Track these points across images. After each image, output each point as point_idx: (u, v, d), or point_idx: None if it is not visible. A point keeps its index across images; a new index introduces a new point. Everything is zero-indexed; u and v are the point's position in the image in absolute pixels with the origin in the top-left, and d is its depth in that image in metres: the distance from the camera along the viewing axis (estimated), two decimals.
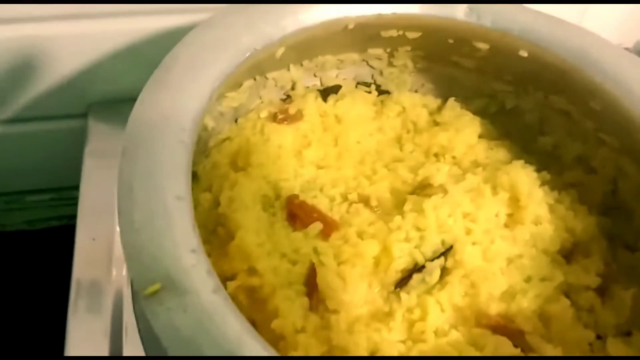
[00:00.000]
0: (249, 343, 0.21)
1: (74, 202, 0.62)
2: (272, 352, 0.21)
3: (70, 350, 0.39)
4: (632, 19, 0.55)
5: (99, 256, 0.44)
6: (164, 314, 0.21)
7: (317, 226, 0.32)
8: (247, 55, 0.31)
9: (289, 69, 0.39)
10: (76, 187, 0.52)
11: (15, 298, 0.60)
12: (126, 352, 0.38)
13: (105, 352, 0.38)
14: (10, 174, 0.58)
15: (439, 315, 0.31)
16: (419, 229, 0.32)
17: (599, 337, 0.32)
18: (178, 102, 0.28)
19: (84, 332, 0.39)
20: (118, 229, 0.46)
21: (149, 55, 0.49)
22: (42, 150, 0.56)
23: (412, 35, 0.38)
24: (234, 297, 0.29)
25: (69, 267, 0.44)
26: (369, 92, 0.42)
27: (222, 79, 0.30)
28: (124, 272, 0.43)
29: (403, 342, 0.30)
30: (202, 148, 0.36)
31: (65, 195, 0.62)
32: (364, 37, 0.38)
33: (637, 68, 0.34)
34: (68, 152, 0.54)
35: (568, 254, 0.35)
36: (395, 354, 0.30)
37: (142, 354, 0.38)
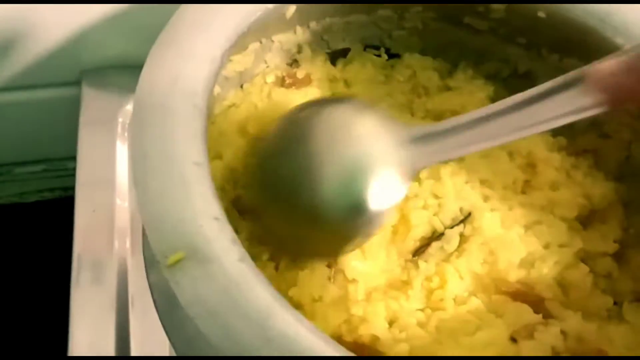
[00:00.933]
0: (280, 313, 0.20)
1: (66, 173, 0.61)
2: (306, 324, 0.20)
3: (75, 324, 0.38)
4: None
5: (99, 228, 0.43)
6: (189, 284, 0.20)
7: None
8: (258, 14, 0.29)
9: (295, 32, 0.38)
10: (68, 158, 0.50)
11: (11, 272, 0.59)
12: (133, 324, 0.37)
13: (111, 324, 0.37)
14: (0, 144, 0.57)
15: (458, 283, 0.30)
16: (436, 197, 0.32)
17: (615, 303, 0.32)
18: (188, 64, 0.26)
19: (88, 305, 0.39)
20: (118, 200, 0.45)
21: (141, 19, 0.47)
22: (34, 119, 0.54)
23: None
24: None
25: (65, 239, 0.43)
26: (379, 56, 0.41)
27: (232, 40, 0.28)
28: (127, 243, 0.43)
29: (422, 310, 0.30)
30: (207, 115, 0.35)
31: (58, 166, 0.60)
32: None
33: None
34: (60, 121, 0.52)
35: (585, 220, 0.34)
36: (414, 322, 0.29)
37: (149, 324, 0.38)
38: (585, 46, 0.35)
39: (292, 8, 0.32)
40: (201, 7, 0.28)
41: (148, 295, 0.29)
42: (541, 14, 0.34)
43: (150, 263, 0.28)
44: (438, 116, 0.38)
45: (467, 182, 0.33)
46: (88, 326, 0.38)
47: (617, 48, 0.33)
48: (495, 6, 0.36)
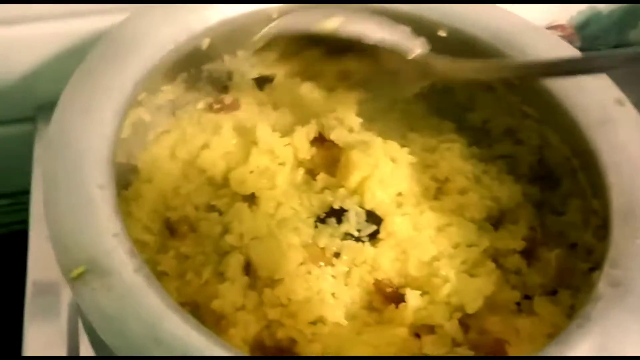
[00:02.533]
0: (170, 316, 0.22)
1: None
2: (193, 323, 0.22)
3: (28, 352, 0.39)
4: None
5: (53, 258, 0.44)
6: (89, 294, 0.22)
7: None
8: (170, 47, 0.32)
9: (223, 60, 0.40)
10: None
11: None
12: (82, 353, 0.38)
13: (63, 354, 0.38)
14: None
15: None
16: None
17: (527, 297, 0.34)
18: (99, 96, 0.29)
19: (41, 334, 0.38)
20: None
21: None
22: None
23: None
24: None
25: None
26: None
27: (143, 73, 0.30)
28: None
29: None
30: (140, 141, 0.37)
31: (23, 199, 0.61)
32: None
33: (546, 41, 0.35)
34: (19, 156, 0.53)
35: (496, 221, 0.36)
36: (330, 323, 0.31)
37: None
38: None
39: (206, 40, 0.34)
40: (114, 42, 0.31)
41: None
42: (442, 33, 0.37)
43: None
44: None
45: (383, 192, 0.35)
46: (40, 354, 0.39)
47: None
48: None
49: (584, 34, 0.58)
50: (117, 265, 0.23)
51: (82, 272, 0.23)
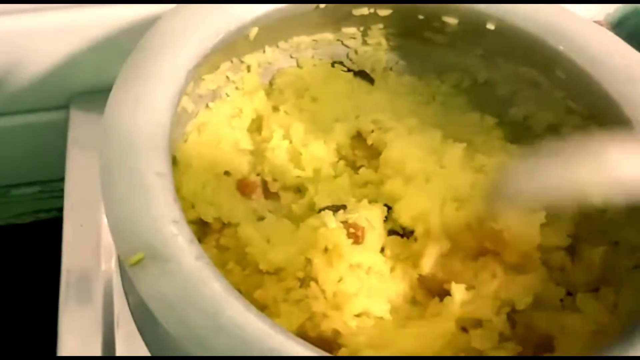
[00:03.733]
0: (231, 303, 0.22)
1: (61, 194, 0.63)
2: (254, 311, 0.22)
3: (63, 342, 0.39)
4: None
5: (87, 246, 0.44)
6: (149, 281, 0.22)
7: None
8: (220, 36, 0.32)
9: (264, 51, 0.40)
10: (63, 179, 0.52)
11: (6, 292, 0.60)
12: (118, 342, 0.38)
13: (98, 343, 0.38)
14: None
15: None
16: None
17: (569, 293, 0.34)
18: (153, 84, 0.29)
19: (76, 323, 0.38)
20: (105, 219, 0.46)
21: (129, 45, 0.50)
22: (26, 143, 0.56)
23: (383, 12, 0.39)
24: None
25: (59, 259, 0.44)
26: (345, 71, 0.43)
27: (196, 61, 0.30)
28: (113, 262, 0.44)
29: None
30: (180, 132, 0.37)
31: (52, 187, 0.62)
32: (336, 16, 0.39)
33: (599, 36, 0.35)
34: (52, 144, 0.54)
35: None
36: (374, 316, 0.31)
37: (134, 344, 0.39)
38: (534, 55, 0.37)
39: (254, 29, 0.34)
40: (166, 31, 0.31)
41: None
42: (490, 26, 0.37)
43: (121, 264, 0.30)
44: None
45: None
46: (75, 344, 0.39)
47: (560, 55, 0.35)
48: (449, 20, 0.38)
49: (620, 31, 0.57)
50: (177, 252, 0.23)
51: (141, 258, 0.23)
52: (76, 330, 0.39)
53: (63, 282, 0.42)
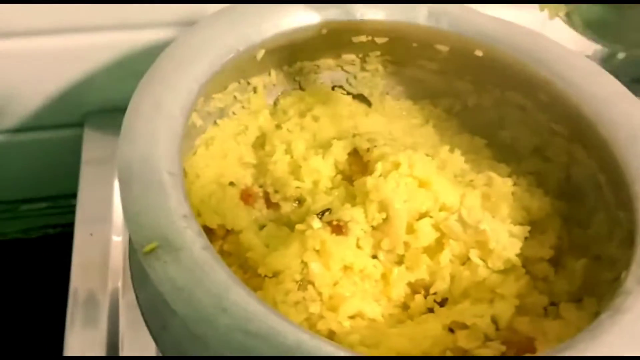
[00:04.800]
0: (235, 288, 0.24)
1: (69, 210, 0.64)
2: (254, 297, 0.24)
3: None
4: None
5: (95, 265, 0.44)
6: (161, 267, 0.24)
7: None
8: (230, 55, 0.34)
9: (270, 74, 0.43)
10: (72, 196, 0.54)
11: (12, 307, 0.62)
12: None
13: None
14: (6, 183, 0.60)
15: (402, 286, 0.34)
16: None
17: (553, 303, 0.35)
18: (169, 94, 0.31)
19: (82, 343, 0.40)
20: (114, 236, 0.48)
21: (143, 66, 0.53)
22: (39, 159, 0.58)
23: (380, 40, 0.42)
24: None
25: (64, 275, 0.45)
26: (345, 94, 0.46)
27: (208, 76, 0.33)
28: (120, 282, 0.45)
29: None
30: (189, 145, 0.39)
31: (61, 203, 0.64)
32: (337, 42, 0.42)
33: (579, 61, 0.38)
34: (64, 160, 0.56)
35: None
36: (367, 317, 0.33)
37: None
38: (520, 80, 0.40)
39: (261, 51, 0.37)
40: (183, 48, 0.34)
41: (137, 336, 0.31)
42: (478, 53, 0.40)
43: (133, 254, 0.32)
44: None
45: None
46: None
47: (543, 80, 0.38)
48: (440, 47, 0.41)
49: (607, 67, 0.60)
50: (187, 242, 0.25)
51: (154, 247, 0.25)
52: (81, 351, 0.40)
53: (70, 302, 0.42)
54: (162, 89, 0.31)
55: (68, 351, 0.40)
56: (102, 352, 0.39)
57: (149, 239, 0.25)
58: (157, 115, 0.30)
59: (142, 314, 0.30)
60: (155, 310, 0.29)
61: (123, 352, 0.40)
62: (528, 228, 0.36)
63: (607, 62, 0.60)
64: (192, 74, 0.32)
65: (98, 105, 0.55)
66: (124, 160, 0.27)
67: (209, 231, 0.37)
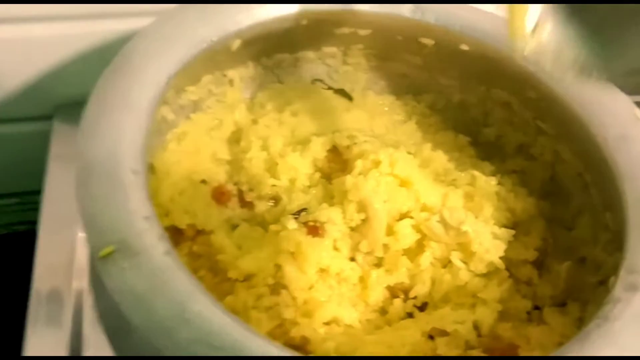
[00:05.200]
0: (198, 297, 0.22)
1: (38, 207, 0.62)
2: (219, 306, 0.22)
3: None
4: None
5: (60, 263, 0.43)
6: (118, 274, 0.23)
7: None
8: (203, 46, 0.33)
9: (247, 66, 0.41)
10: (40, 192, 0.51)
11: None
12: None
13: None
14: None
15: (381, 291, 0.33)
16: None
17: (537, 307, 0.34)
18: (134, 88, 0.29)
19: (43, 343, 0.37)
20: (80, 234, 0.46)
21: (113, 57, 0.50)
22: (5, 153, 0.56)
23: (363, 32, 0.40)
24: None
25: (30, 272, 0.43)
26: (326, 89, 0.44)
27: (177, 68, 0.31)
28: (85, 280, 0.43)
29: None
30: (160, 140, 0.37)
31: (30, 200, 0.61)
32: (318, 34, 0.41)
33: None
34: (32, 155, 0.54)
35: None
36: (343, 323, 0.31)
37: None
38: (506, 76, 0.39)
39: (237, 41, 0.35)
40: (150, 38, 0.32)
41: (101, 337, 0.30)
42: (464, 47, 0.38)
43: (91, 260, 0.30)
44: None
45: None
46: None
47: (531, 76, 0.37)
48: (425, 41, 0.39)
49: None
50: (147, 246, 0.23)
51: (111, 251, 0.23)
52: (42, 350, 0.37)
53: (33, 299, 0.40)
54: (127, 81, 0.29)
55: (28, 351, 0.38)
56: (64, 353, 0.37)
57: (106, 243, 0.23)
58: (121, 108, 0.28)
59: (101, 322, 0.28)
60: (114, 319, 0.27)
61: (86, 353, 0.38)
62: (513, 232, 0.35)
63: None
64: (160, 66, 0.30)
65: (69, 97, 0.53)
66: (83, 157, 0.26)
67: (177, 232, 0.35)
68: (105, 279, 0.23)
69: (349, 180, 0.34)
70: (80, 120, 0.28)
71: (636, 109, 0.34)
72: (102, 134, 0.27)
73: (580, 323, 0.32)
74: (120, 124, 0.28)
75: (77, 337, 0.38)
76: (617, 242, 0.33)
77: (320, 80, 0.45)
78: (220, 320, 0.22)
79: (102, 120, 0.27)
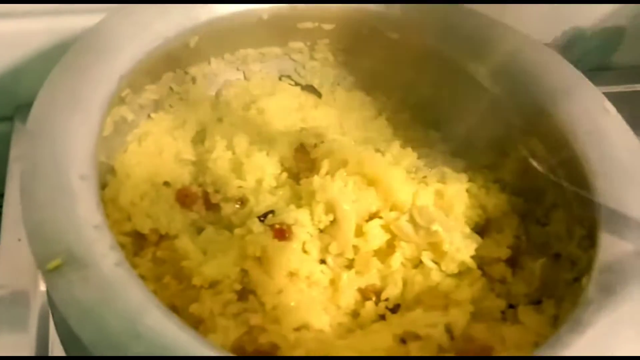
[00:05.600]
0: (151, 311, 0.21)
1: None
2: (174, 319, 0.21)
3: None
4: (550, 16, 0.58)
5: (24, 265, 0.42)
6: (65, 287, 0.21)
7: None
8: (158, 42, 0.31)
9: (209, 62, 0.40)
10: (1, 195, 0.50)
11: None
12: None
13: None
14: None
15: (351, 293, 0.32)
16: None
17: (512, 306, 0.33)
18: (84, 87, 0.28)
19: (7, 347, 0.37)
20: None
21: None
22: None
23: (327, 26, 0.39)
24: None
25: None
26: (293, 85, 0.43)
27: (131, 66, 0.30)
28: None
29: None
30: (120, 141, 0.36)
31: None
32: (282, 29, 0.39)
33: (538, 51, 0.36)
34: None
35: (481, 229, 0.36)
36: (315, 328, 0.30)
37: None
38: (476, 70, 0.38)
39: (194, 38, 0.34)
40: (103, 34, 0.30)
41: None
42: (431, 41, 0.37)
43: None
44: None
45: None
46: None
47: (501, 71, 0.36)
48: (391, 35, 0.38)
49: (567, 55, 0.59)
50: (97, 257, 0.22)
51: (59, 264, 0.22)
52: (7, 354, 0.37)
53: None
54: (77, 79, 0.27)
55: None
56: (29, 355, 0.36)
57: (53, 255, 0.22)
58: (70, 108, 0.26)
59: (58, 335, 0.27)
60: (68, 333, 0.25)
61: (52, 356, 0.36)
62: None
63: (568, 51, 0.59)
64: (112, 63, 0.29)
65: (30, 97, 0.50)
66: (27, 162, 0.24)
67: (140, 237, 0.33)
68: (52, 292, 0.21)
69: (316, 180, 0.33)
70: (27, 120, 0.26)
71: (605, 101, 0.33)
72: (48, 135, 0.25)
73: (556, 321, 0.32)
74: (68, 125, 0.26)
75: (43, 340, 0.36)
76: (591, 238, 0.33)
77: (288, 76, 0.44)
78: (174, 335, 0.21)
79: (48, 122, 0.26)
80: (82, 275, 0.22)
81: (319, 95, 0.44)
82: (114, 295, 0.21)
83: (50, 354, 0.36)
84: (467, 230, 0.33)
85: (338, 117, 0.42)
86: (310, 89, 0.44)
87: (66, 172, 0.24)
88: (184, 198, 0.35)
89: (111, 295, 0.21)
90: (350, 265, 0.33)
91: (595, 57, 0.60)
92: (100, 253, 0.22)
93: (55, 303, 0.21)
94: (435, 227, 0.31)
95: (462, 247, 0.32)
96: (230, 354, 0.22)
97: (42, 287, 0.40)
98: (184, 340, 0.21)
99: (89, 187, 0.24)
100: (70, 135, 0.26)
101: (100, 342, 0.20)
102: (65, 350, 0.27)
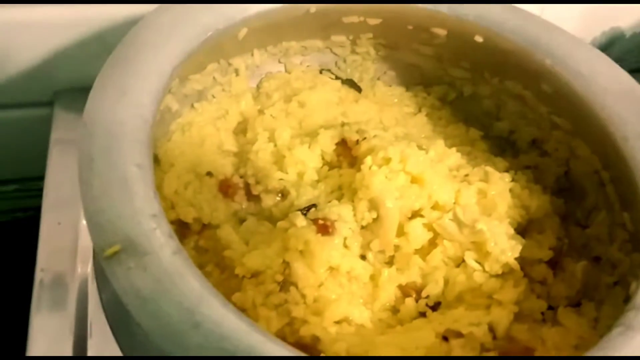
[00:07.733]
0: (209, 300, 0.21)
1: (39, 193, 0.61)
2: (231, 309, 0.21)
3: (33, 346, 0.38)
4: (589, 16, 0.57)
5: (63, 248, 0.42)
6: (124, 274, 0.22)
7: None
8: (208, 34, 0.31)
9: (252, 54, 0.40)
10: (42, 178, 0.51)
11: None
12: (90, 349, 0.37)
13: (69, 349, 0.37)
14: None
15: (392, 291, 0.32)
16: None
17: (551, 307, 0.33)
18: (137, 79, 0.28)
19: (47, 328, 0.37)
20: (83, 220, 0.45)
21: (116, 42, 0.49)
22: (6, 139, 0.55)
23: (372, 21, 0.39)
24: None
25: (34, 259, 0.43)
26: (334, 79, 0.43)
27: (182, 58, 0.30)
28: (89, 266, 0.42)
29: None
30: (164, 130, 0.36)
31: (31, 186, 0.61)
32: (326, 23, 0.39)
33: (586, 52, 0.35)
34: (33, 141, 0.53)
35: (523, 230, 0.36)
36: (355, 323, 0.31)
37: (106, 350, 0.38)
38: (520, 69, 0.37)
39: (243, 30, 0.34)
40: (153, 27, 0.30)
41: (106, 323, 0.29)
42: (478, 38, 0.37)
43: (96, 257, 0.29)
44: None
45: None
46: (44, 351, 0.37)
47: (547, 70, 0.36)
48: (437, 31, 0.38)
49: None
50: (155, 246, 0.22)
51: (117, 250, 0.22)
52: (47, 334, 0.37)
53: (36, 284, 0.40)
54: (129, 74, 0.28)
55: (33, 335, 0.37)
56: (69, 336, 0.36)
57: (111, 242, 0.22)
58: (123, 101, 0.27)
59: (106, 317, 0.28)
60: (120, 318, 0.26)
61: (91, 338, 0.37)
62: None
63: (607, 52, 0.58)
64: (163, 56, 0.29)
65: (69, 83, 0.52)
66: (84, 154, 0.24)
67: (183, 225, 0.34)
68: (111, 279, 0.22)
69: (359, 177, 0.33)
70: (83, 111, 0.26)
71: None
72: (103, 126, 0.26)
73: (596, 323, 0.32)
74: (122, 115, 0.26)
75: (82, 322, 0.37)
76: (634, 243, 0.33)
77: (328, 70, 0.44)
78: (232, 324, 0.21)
79: (104, 112, 0.26)
80: (141, 263, 0.22)
81: (359, 89, 0.44)
82: (172, 284, 0.22)
83: (88, 337, 0.37)
84: (511, 231, 0.33)
85: (377, 112, 0.42)
86: (350, 83, 0.44)
87: (122, 161, 0.25)
88: (226, 188, 0.36)
89: (169, 284, 0.22)
90: (391, 261, 0.33)
91: (635, 58, 0.59)
92: (158, 241, 0.23)
93: (114, 290, 0.21)
94: (480, 226, 0.31)
95: (506, 249, 0.32)
96: (296, 351, 0.22)
97: (80, 269, 0.41)
98: (243, 330, 0.21)
99: (145, 176, 0.25)
100: (124, 124, 0.26)
101: (159, 331, 0.21)
102: (114, 333, 0.27)
